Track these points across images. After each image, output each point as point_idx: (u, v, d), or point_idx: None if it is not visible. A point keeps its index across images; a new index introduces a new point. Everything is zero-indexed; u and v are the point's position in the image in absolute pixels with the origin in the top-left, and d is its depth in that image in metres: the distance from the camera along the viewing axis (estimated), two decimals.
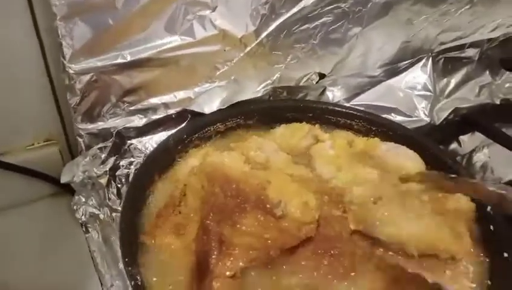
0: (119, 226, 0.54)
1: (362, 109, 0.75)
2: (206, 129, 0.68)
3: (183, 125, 0.68)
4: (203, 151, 0.63)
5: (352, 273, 0.49)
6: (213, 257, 0.49)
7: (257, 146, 0.63)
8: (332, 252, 0.50)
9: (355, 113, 0.71)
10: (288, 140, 0.65)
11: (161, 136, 0.69)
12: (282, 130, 0.68)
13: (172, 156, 0.64)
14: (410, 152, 0.62)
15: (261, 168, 0.59)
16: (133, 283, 0.49)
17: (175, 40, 0.62)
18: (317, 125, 0.68)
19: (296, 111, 0.71)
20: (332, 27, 0.73)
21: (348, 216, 0.53)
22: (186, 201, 0.56)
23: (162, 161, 0.63)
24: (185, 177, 0.59)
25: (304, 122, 0.69)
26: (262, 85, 0.73)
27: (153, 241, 0.54)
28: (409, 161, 0.61)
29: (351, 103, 0.80)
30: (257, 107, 0.71)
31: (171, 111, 0.68)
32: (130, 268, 0.50)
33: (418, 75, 0.82)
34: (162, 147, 0.64)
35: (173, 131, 0.69)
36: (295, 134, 0.66)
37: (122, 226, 0.53)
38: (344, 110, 0.72)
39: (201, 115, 0.70)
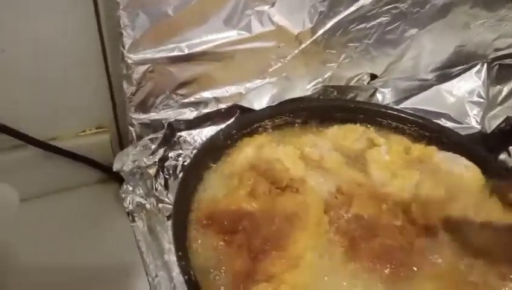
0: (172, 221, 0.53)
1: (415, 112, 0.73)
2: (255, 126, 0.67)
3: (232, 120, 0.68)
4: (257, 141, 0.63)
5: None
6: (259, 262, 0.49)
7: (312, 143, 0.62)
8: (393, 263, 0.48)
9: (408, 117, 0.69)
10: (341, 141, 0.64)
11: (210, 130, 0.69)
12: (335, 130, 0.66)
13: (221, 150, 0.64)
14: (469, 163, 0.60)
15: (315, 166, 0.58)
16: (186, 277, 0.49)
17: (232, 34, 0.62)
18: (371, 128, 0.67)
19: (346, 111, 0.70)
20: (389, 28, 0.71)
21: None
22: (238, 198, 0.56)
23: (211, 154, 0.63)
24: (238, 170, 0.59)
25: (358, 124, 0.67)
26: (313, 83, 0.72)
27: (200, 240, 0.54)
28: (467, 171, 0.59)
29: (400, 106, 0.78)
30: (307, 106, 0.70)
31: (222, 105, 0.68)
32: (183, 263, 0.50)
33: (472, 81, 0.80)
34: (213, 141, 0.63)
35: (221, 126, 0.69)
36: (348, 135, 0.65)
37: (175, 220, 0.53)
38: (396, 113, 0.70)
39: (250, 110, 0.69)
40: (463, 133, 0.76)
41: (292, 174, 0.57)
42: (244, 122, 0.67)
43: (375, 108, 0.71)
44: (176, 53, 0.60)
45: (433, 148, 0.62)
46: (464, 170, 0.60)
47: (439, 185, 0.56)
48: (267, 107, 0.69)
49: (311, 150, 0.61)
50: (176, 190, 0.57)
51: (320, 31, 0.66)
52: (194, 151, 0.64)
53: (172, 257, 0.59)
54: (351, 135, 0.65)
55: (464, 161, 0.61)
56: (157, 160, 0.65)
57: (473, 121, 0.78)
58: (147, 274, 0.59)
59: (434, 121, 0.70)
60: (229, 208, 0.54)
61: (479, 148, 0.66)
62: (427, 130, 0.69)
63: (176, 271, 0.55)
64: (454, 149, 0.64)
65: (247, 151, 0.61)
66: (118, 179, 0.67)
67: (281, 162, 0.58)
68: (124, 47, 0.57)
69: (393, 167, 0.59)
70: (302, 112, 0.69)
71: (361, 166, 0.62)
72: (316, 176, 0.58)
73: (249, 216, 0.52)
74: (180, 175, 0.66)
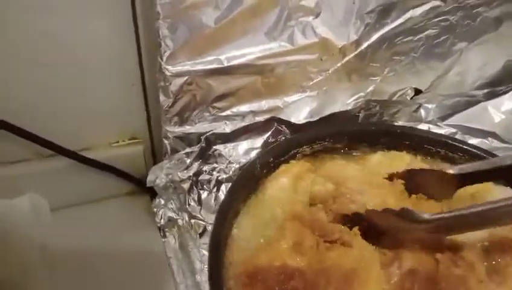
0: (207, 262, 0.49)
1: (466, 141, 0.69)
2: (293, 152, 0.62)
3: (269, 148, 0.64)
4: (295, 169, 0.59)
5: None
6: None
7: (350, 174, 0.58)
8: None
9: (460, 145, 0.63)
10: (386, 170, 0.60)
11: (246, 143, 0.66)
12: (379, 158, 0.61)
13: (257, 179, 0.58)
14: None
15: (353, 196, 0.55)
16: None
17: (274, 46, 0.59)
18: (418, 157, 0.62)
19: (391, 137, 0.64)
20: (437, 41, 0.68)
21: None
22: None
23: (247, 185, 0.57)
24: (276, 215, 0.54)
25: (404, 152, 0.63)
26: (354, 97, 0.69)
27: None
28: None
29: (444, 123, 0.75)
30: (348, 130, 0.65)
31: (259, 118, 0.65)
32: None
33: None
34: (249, 171, 0.58)
35: (258, 139, 0.66)
36: (394, 164, 0.60)
37: (211, 263, 0.48)
38: (446, 140, 0.64)
39: (288, 123, 0.66)
40: (510, 153, 0.72)
41: (341, 225, 0.51)
42: (281, 148, 0.62)
43: (423, 134, 0.66)
44: (215, 66, 0.57)
45: (489, 185, 0.56)
46: None
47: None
48: (304, 133, 0.66)
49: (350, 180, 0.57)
50: (212, 212, 0.54)
51: (365, 44, 0.64)
52: (229, 186, 0.59)
53: (204, 277, 0.56)
54: (397, 164, 0.60)
55: None
56: (191, 174, 0.63)
57: None
58: None
59: (489, 151, 0.63)
60: (272, 263, 0.46)
61: None
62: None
63: None
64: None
65: (283, 188, 0.56)
66: (149, 191, 0.66)
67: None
68: (162, 58, 0.55)
69: (443, 205, 0.54)
70: (343, 137, 0.64)
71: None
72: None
73: (299, 275, 0.45)
74: (214, 191, 0.64)
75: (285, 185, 0.57)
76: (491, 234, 0.50)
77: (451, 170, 0.53)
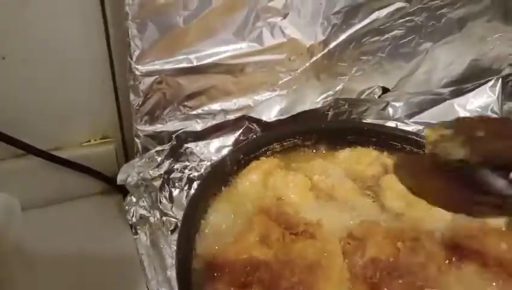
0: (175, 255, 0.50)
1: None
2: (263, 149, 0.64)
3: (240, 146, 0.66)
4: (265, 165, 0.60)
5: None
6: None
7: (322, 170, 0.60)
8: None
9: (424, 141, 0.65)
10: (353, 165, 0.61)
11: (217, 141, 0.67)
12: (346, 154, 0.63)
13: (227, 176, 0.60)
14: None
15: (326, 198, 0.57)
16: None
17: (243, 46, 0.60)
18: (385, 153, 0.64)
19: (358, 134, 0.66)
20: (403, 41, 0.70)
21: None
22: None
23: (217, 182, 0.59)
24: (245, 209, 0.56)
25: (370, 148, 0.65)
26: (323, 96, 0.71)
27: None
28: None
29: (411, 120, 0.77)
30: (317, 128, 0.67)
31: (230, 117, 0.66)
32: None
33: (486, 96, 0.78)
34: (219, 168, 0.60)
35: (229, 137, 0.67)
36: (361, 160, 0.61)
37: (179, 270, 0.49)
38: (413, 136, 0.66)
39: (258, 121, 0.68)
40: None
41: (306, 218, 0.53)
42: (250, 146, 0.64)
43: (390, 131, 0.68)
44: (184, 65, 0.58)
45: None
46: None
47: None
48: (274, 130, 0.67)
49: (322, 178, 0.58)
50: (183, 209, 0.55)
51: (333, 44, 0.65)
52: (199, 182, 0.61)
53: (174, 273, 0.57)
54: (365, 159, 0.62)
55: None
56: (162, 172, 0.63)
57: None
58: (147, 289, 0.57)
59: None
60: (240, 256, 0.48)
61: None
62: None
63: None
64: None
65: (252, 183, 0.58)
66: (121, 190, 0.66)
67: (292, 204, 0.55)
68: (131, 58, 0.55)
69: (409, 196, 0.56)
70: (312, 134, 0.66)
71: (375, 195, 0.58)
72: (328, 213, 0.55)
73: (264, 266, 0.46)
74: (185, 188, 0.65)
75: (255, 180, 0.58)
76: (454, 223, 0.52)
77: None
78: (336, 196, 0.56)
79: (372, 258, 0.48)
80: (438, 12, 0.69)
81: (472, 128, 0.36)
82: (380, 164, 0.61)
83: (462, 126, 0.37)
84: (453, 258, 0.50)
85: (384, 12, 0.65)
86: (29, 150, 0.60)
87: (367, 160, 0.61)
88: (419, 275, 0.47)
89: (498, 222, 0.52)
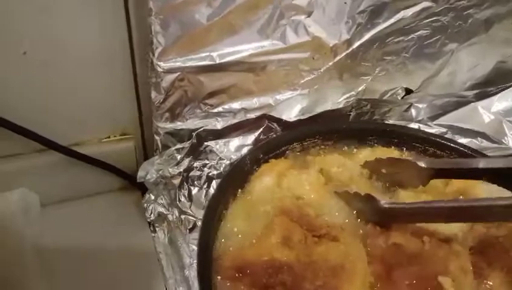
0: (197, 256, 0.50)
1: (453, 137, 0.70)
2: (283, 149, 0.63)
3: (260, 144, 0.65)
4: (278, 167, 0.59)
5: None
6: None
7: (339, 163, 0.59)
8: None
9: (448, 144, 0.63)
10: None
11: (237, 140, 0.66)
12: (367, 153, 0.62)
13: (247, 175, 0.60)
14: None
15: (341, 186, 0.56)
16: None
17: (266, 44, 0.59)
18: (406, 153, 0.63)
19: (380, 135, 0.65)
20: (428, 41, 0.68)
21: None
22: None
23: (237, 181, 0.58)
24: (263, 201, 0.55)
25: (392, 148, 0.64)
26: (345, 96, 0.70)
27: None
28: None
29: (434, 123, 0.75)
30: (338, 128, 0.66)
31: (250, 116, 0.65)
32: None
33: (510, 100, 0.77)
34: (238, 167, 0.59)
35: (249, 136, 0.67)
36: None
37: (200, 258, 0.49)
38: (435, 139, 0.65)
39: (279, 121, 0.67)
40: (498, 153, 0.73)
41: (329, 221, 0.52)
42: (270, 145, 0.63)
43: (412, 132, 0.67)
44: (206, 62, 0.58)
45: (477, 181, 0.57)
46: None
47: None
48: (295, 130, 0.66)
49: (340, 170, 0.58)
50: (202, 208, 0.54)
51: (357, 43, 0.64)
52: (218, 181, 0.60)
53: (192, 272, 0.57)
54: None
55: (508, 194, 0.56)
56: (182, 170, 0.63)
57: (511, 141, 0.74)
58: (166, 289, 0.57)
59: (477, 150, 0.64)
60: (261, 258, 0.47)
61: None
62: None
63: (196, 287, 0.53)
64: (499, 182, 0.56)
65: (266, 186, 0.57)
66: (140, 187, 0.66)
67: (313, 205, 0.54)
68: (153, 54, 0.55)
69: (425, 196, 0.55)
70: (333, 135, 0.65)
71: (392, 194, 0.57)
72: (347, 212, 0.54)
73: (287, 269, 0.46)
74: (204, 187, 0.64)
75: (269, 183, 0.57)
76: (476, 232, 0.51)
77: (422, 163, 0.54)
78: (353, 189, 0.55)
79: (396, 243, 0.48)
80: (465, 12, 0.67)
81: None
82: None
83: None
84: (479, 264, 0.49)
85: (409, 12, 0.64)
86: (50, 145, 0.59)
87: None
88: (439, 268, 0.46)
89: None
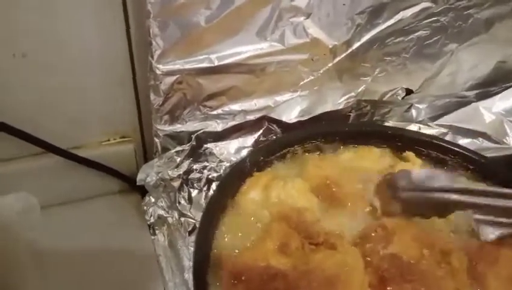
0: (192, 258, 0.50)
1: (457, 141, 0.71)
2: (283, 151, 0.63)
3: (260, 147, 0.65)
4: (262, 181, 0.58)
5: None
6: None
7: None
8: None
9: (451, 148, 0.63)
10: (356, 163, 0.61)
11: (237, 142, 0.66)
12: (348, 153, 0.63)
13: (246, 178, 0.59)
14: None
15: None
16: None
17: (264, 46, 0.59)
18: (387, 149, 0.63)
19: (382, 137, 0.65)
20: (428, 42, 0.68)
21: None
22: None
23: (236, 184, 0.58)
24: (257, 210, 0.55)
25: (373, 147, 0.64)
26: (345, 97, 0.69)
27: None
28: None
29: (435, 123, 0.75)
30: (339, 130, 0.65)
31: (250, 117, 0.65)
32: None
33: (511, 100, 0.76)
34: (238, 169, 0.59)
35: (249, 137, 0.67)
36: (365, 156, 0.62)
37: (195, 264, 0.49)
38: (437, 142, 0.64)
39: (279, 122, 0.67)
40: (501, 153, 0.73)
41: (326, 228, 0.51)
42: (271, 147, 0.63)
43: (415, 136, 0.66)
44: (205, 64, 0.57)
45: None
46: None
47: None
48: (295, 132, 0.66)
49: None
50: (202, 210, 0.54)
51: (356, 44, 0.64)
52: (217, 183, 0.60)
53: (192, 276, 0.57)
54: (370, 157, 0.62)
55: None
56: (181, 173, 0.63)
57: None
58: None
59: (480, 154, 0.64)
60: (257, 263, 0.47)
61: None
62: (472, 164, 0.62)
63: None
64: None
65: (253, 201, 0.57)
66: (140, 190, 0.66)
67: (313, 212, 0.54)
68: (152, 57, 0.55)
69: None
70: (335, 137, 0.64)
71: None
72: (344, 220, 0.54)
73: (282, 277, 0.45)
74: (204, 189, 0.64)
75: (256, 198, 0.57)
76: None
77: None
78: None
79: (393, 254, 0.47)
80: (465, 12, 0.67)
81: None
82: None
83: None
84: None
85: (409, 12, 0.63)
86: (49, 148, 0.60)
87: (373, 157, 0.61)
88: (433, 287, 0.45)
89: None
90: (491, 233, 0.51)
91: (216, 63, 0.58)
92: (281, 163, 0.63)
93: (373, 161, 0.62)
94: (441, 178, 0.52)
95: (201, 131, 0.63)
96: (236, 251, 0.51)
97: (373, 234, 0.50)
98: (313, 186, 0.57)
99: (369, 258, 0.48)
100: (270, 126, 0.67)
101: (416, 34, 0.66)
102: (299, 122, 0.67)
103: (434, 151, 0.63)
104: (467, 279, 0.48)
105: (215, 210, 0.54)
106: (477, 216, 0.51)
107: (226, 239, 0.53)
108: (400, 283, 0.46)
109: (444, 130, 0.75)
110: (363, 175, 0.59)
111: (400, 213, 0.53)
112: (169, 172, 0.62)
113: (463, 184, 0.55)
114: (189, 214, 0.62)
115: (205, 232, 0.52)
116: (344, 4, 0.59)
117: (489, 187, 0.57)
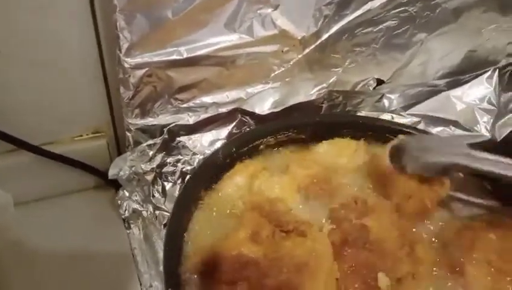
0: (163, 252, 0.50)
1: (429, 130, 0.72)
2: (256, 143, 0.63)
3: (233, 139, 0.65)
4: (251, 168, 0.59)
5: None
6: None
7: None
8: None
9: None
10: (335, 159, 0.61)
11: (210, 135, 0.67)
12: (325, 147, 0.63)
13: (219, 170, 0.60)
14: None
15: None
16: None
17: (233, 38, 0.59)
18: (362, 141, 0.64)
19: (354, 127, 0.65)
20: (397, 32, 0.69)
21: None
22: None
23: (209, 175, 0.59)
24: (235, 205, 0.56)
25: (348, 138, 0.64)
26: (317, 88, 0.70)
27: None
28: None
29: (407, 112, 0.76)
30: (312, 121, 0.66)
31: (222, 110, 0.66)
32: None
33: (482, 88, 0.77)
34: (210, 161, 0.60)
35: (222, 130, 0.67)
36: (342, 152, 0.62)
37: (166, 264, 0.49)
38: (411, 131, 0.65)
39: (252, 114, 0.67)
40: (472, 141, 0.74)
41: (297, 215, 0.52)
42: (243, 139, 0.63)
43: (387, 124, 0.67)
44: (174, 57, 0.58)
45: None
46: None
47: None
48: (268, 124, 0.67)
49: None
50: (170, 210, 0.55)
51: (325, 35, 0.64)
52: (188, 176, 0.61)
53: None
54: (345, 152, 0.62)
55: None
56: (155, 166, 0.63)
57: (483, 128, 0.75)
58: (140, 284, 0.57)
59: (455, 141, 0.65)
60: (230, 253, 0.47)
61: None
62: None
63: None
64: None
65: (238, 187, 0.57)
66: (114, 184, 0.66)
67: (285, 201, 0.55)
68: (120, 50, 0.55)
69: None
70: (307, 128, 0.65)
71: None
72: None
73: (252, 264, 0.46)
74: (178, 182, 0.65)
75: (240, 184, 0.58)
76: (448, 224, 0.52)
77: None
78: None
79: (364, 225, 0.49)
80: (433, 2, 0.67)
81: None
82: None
83: None
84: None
85: (377, 2, 0.63)
86: (21, 145, 0.59)
87: (348, 152, 0.62)
88: (386, 265, 0.46)
89: None
90: (464, 210, 0.54)
91: (185, 56, 0.58)
92: (255, 154, 0.63)
93: (349, 155, 0.63)
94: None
95: (174, 124, 0.63)
96: (209, 241, 0.51)
97: (352, 205, 0.51)
98: (301, 186, 0.58)
99: (341, 223, 0.49)
100: (243, 118, 0.68)
101: (385, 24, 0.67)
102: (272, 113, 0.67)
103: None
104: (428, 271, 0.49)
105: (187, 202, 0.55)
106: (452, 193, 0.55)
107: (198, 230, 0.54)
108: (359, 249, 0.48)
109: (416, 119, 0.76)
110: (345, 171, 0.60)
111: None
112: (142, 166, 0.62)
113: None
114: (163, 207, 0.63)
115: (177, 224, 0.52)
116: None
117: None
